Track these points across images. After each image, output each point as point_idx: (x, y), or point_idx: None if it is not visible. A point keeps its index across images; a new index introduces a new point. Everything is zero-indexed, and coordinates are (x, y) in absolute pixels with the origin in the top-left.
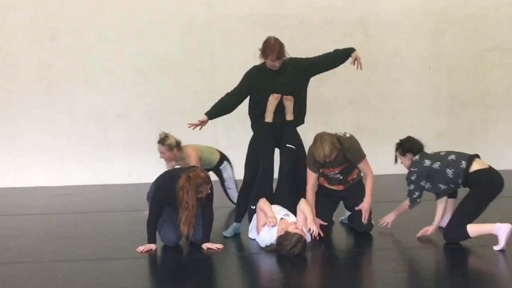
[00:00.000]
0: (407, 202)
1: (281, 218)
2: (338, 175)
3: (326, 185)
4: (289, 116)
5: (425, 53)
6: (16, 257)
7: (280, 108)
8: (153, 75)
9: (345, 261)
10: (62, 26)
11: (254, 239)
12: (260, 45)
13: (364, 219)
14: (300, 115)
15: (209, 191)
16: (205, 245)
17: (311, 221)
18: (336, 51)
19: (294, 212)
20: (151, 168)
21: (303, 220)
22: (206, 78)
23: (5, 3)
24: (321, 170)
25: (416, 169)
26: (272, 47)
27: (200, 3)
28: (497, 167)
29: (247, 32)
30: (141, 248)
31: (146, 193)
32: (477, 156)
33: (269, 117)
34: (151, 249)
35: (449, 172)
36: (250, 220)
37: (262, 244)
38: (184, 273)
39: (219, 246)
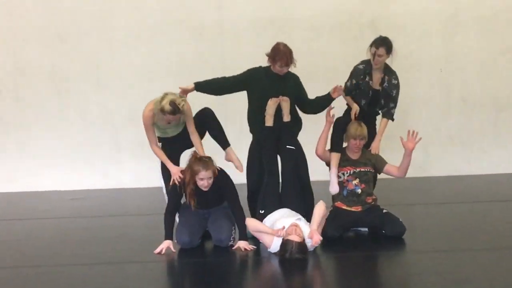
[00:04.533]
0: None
1: (292, 223)
2: (357, 187)
3: (344, 207)
4: (286, 118)
5: (436, 56)
6: (29, 261)
7: (278, 112)
8: (164, 78)
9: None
10: (73, 30)
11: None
12: (270, 47)
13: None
14: (298, 119)
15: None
16: (241, 244)
17: (314, 230)
18: (318, 97)
19: (300, 212)
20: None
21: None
22: None
23: (15, 8)
24: (340, 177)
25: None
26: (282, 53)
27: (211, 6)
28: (509, 169)
29: (258, 35)
30: (158, 250)
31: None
32: None
33: (269, 121)
34: (168, 248)
35: None
36: None
37: (274, 251)
38: (198, 277)
39: (253, 247)
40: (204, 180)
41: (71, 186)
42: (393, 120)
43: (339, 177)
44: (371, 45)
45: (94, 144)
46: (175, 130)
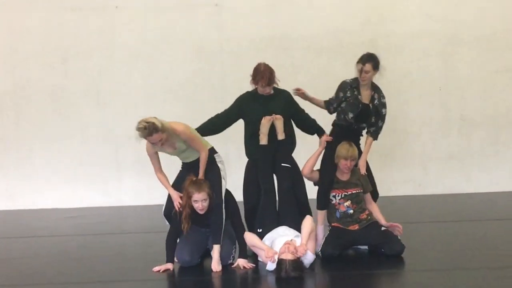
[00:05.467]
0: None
1: (286, 242)
2: (349, 208)
3: (341, 226)
4: (280, 136)
5: (435, 75)
6: (28, 279)
7: (272, 131)
8: (164, 97)
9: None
10: (74, 49)
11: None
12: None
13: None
14: (292, 136)
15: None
16: (240, 262)
17: (303, 245)
18: (315, 122)
19: (298, 229)
20: (161, 189)
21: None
22: (217, 100)
23: (18, 26)
24: (332, 200)
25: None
26: (262, 73)
27: (211, 25)
28: (508, 187)
29: (257, 54)
30: (157, 268)
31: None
32: None
33: (264, 140)
34: (168, 269)
35: None
36: None
37: (272, 270)
38: None
39: (252, 265)
40: (198, 203)
41: (71, 204)
42: (376, 139)
43: (331, 200)
44: (358, 62)
45: (94, 162)
46: (190, 155)
